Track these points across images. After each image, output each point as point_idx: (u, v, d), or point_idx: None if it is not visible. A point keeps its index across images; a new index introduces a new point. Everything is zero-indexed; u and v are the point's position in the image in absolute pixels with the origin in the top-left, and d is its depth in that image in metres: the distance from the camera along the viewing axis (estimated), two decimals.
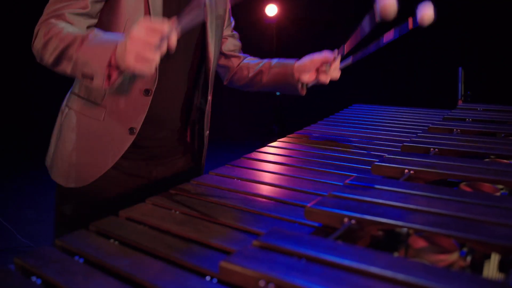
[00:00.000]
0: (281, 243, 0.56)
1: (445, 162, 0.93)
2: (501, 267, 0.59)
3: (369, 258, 0.51)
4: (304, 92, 1.40)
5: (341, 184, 0.81)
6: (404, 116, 1.75)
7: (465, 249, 0.61)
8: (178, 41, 1.02)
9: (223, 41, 1.42)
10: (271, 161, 1.19)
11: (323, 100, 5.96)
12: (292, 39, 5.84)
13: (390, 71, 5.77)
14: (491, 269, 0.60)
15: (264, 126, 5.89)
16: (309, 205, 0.70)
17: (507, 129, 1.27)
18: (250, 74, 1.44)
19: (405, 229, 0.64)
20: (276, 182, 0.98)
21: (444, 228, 0.62)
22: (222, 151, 5.60)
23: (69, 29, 1.01)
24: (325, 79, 1.31)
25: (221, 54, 1.43)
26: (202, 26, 1.22)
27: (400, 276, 0.47)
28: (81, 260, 0.62)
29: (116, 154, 1.17)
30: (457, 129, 1.30)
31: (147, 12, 1.09)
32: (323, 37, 5.72)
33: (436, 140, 1.16)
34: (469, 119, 1.49)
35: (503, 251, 0.56)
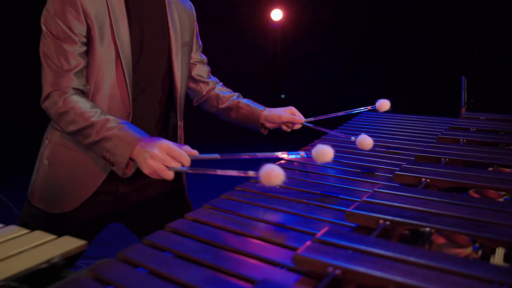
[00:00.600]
0: (336, 240, 0.72)
1: (455, 172, 1.09)
2: (506, 258, 0.75)
3: (406, 250, 0.67)
4: (265, 133, 1.58)
5: (371, 191, 0.97)
6: (412, 124, 1.91)
7: (476, 245, 0.77)
8: (148, 73, 1.18)
9: (192, 67, 1.53)
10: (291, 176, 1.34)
11: (327, 102, 6.11)
12: (296, 43, 5.99)
13: (394, 77, 5.91)
14: (497, 260, 0.76)
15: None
16: (349, 209, 0.86)
17: (508, 140, 1.43)
18: (220, 106, 1.56)
19: (428, 229, 0.80)
20: (310, 191, 1.14)
21: (460, 227, 0.78)
22: (228, 150, 5.69)
23: (83, 104, 1.15)
24: (287, 130, 1.54)
25: (190, 78, 1.54)
26: (169, 57, 1.34)
27: (432, 263, 0.63)
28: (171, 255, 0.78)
29: (96, 183, 1.26)
30: (463, 139, 1.47)
31: (118, 56, 1.21)
32: (326, 39, 5.88)
33: (445, 150, 1.32)
34: (473, 128, 1.65)
35: (507, 246, 0.72)
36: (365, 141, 1.28)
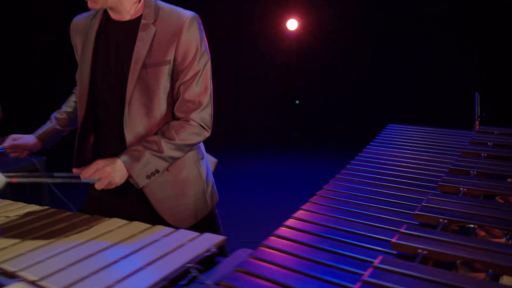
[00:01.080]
0: (417, 232, 1.07)
1: (483, 182, 1.44)
2: None
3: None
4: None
5: (424, 198, 1.32)
6: (434, 137, 2.24)
7: (508, 236, 1.12)
8: (102, 91, 1.59)
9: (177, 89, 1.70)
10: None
11: (338, 111, 6.48)
12: (311, 51, 6.35)
13: (408, 91, 6.24)
14: None
15: (281, 129, 6.39)
16: (393, 240, 1.17)
17: None
18: None
19: (472, 225, 1.15)
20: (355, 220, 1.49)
21: (495, 223, 1.13)
22: (242, 152, 6.06)
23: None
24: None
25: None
26: (125, 77, 1.53)
27: None
28: None
29: None
30: (484, 154, 1.82)
31: (81, 78, 1.61)
32: (340, 49, 6.23)
33: (471, 163, 1.67)
34: (490, 143, 2.00)
35: None
36: None
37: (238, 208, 4.12)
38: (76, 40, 1.63)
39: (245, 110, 6.53)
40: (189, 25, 1.50)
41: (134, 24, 1.52)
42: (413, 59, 6.14)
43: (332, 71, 6.50)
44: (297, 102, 6.48)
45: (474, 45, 5.88)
